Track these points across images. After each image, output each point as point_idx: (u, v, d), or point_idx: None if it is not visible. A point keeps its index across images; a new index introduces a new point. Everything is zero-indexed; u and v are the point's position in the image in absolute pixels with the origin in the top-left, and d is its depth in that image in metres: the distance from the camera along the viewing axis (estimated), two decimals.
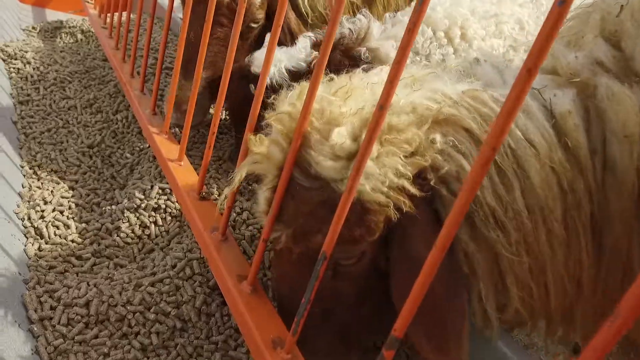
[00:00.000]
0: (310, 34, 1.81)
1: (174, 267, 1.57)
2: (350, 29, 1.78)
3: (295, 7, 2.16)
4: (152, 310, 1.44)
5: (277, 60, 1.74)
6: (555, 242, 1.02)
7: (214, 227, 1.40)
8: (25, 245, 1.66)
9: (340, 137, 0.96)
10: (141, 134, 2.33)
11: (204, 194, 1.52)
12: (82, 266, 1.63)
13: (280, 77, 1.73)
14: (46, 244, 1.69)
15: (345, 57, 1.73)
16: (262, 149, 1.05)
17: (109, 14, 2.95)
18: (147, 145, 2.24)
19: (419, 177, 0.95)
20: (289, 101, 1.06)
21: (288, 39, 1.99)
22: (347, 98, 1.02)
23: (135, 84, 2.22)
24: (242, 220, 1.72)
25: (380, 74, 1.11)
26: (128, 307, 1.44)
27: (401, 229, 1.01)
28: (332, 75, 1.11)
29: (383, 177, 0.92)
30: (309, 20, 2.23)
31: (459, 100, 1.02)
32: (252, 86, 1.74)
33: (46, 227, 1.73)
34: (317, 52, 1.74)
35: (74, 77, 2.77)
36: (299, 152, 1.01)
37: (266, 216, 1.12)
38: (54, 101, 2.54)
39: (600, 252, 1.05)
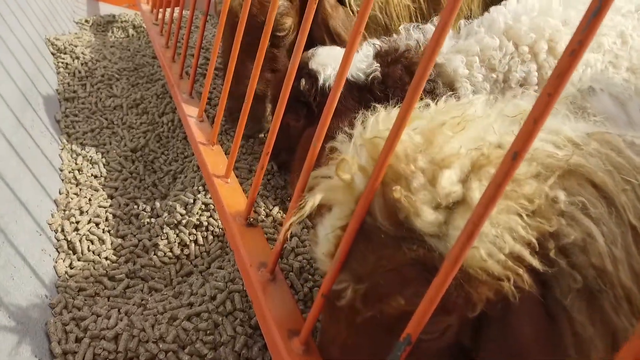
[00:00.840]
0: (375, 41, 1.60)
1: (213, 298, 1.39)
2: (417, 40, 1.54)
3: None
4: (186, 350, 1.26)
5: (336, 64, 1.54)
6: None
7: (261, 263, 1.21)
8: (56, 262, 1.52)
9: (451, 183, 0.74)
10: (187, 140, 2.18)
11: (251, 220, 1.33)
12: (114, 288, 1.48)
13: None
14: (78, 260, 1.55)
15: (407, 74, 1.50)
16: (345, 176, 0.84)
17: (161, 10, 2.83)
18: (192, 152, 2.08)
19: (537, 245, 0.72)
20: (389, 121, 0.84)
21: (331, 43, 1.79)
22: (460, 132, 0.79)
23: (184, 86, 2.07)
24: (291, 249, 1.53)
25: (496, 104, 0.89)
26: (160, 345, 1.26)
27: (501, 303, 0.78)
28: (427, 100, 0.89)
29: (500, 241, 0.69)
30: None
31: (584, 145, 0.79)
32: (302, 81, 1.54)
33: (80, 241, 1.59)
34: (378, 64, 1.51)
35: (122, 74, 2.65)
36: (386, 189, 0.80)
37: (328, 259, 0.92)
38: (100, 99, 2.42)
39: None
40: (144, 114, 2.36)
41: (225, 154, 1.72)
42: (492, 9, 1.64)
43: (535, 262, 0.69)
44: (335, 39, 1.85)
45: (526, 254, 0.69)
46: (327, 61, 1.54)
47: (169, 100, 2.42)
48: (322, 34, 1.80)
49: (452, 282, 0.70)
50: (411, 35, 1.55)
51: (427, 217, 0.73)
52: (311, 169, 1.03)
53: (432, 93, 1.49)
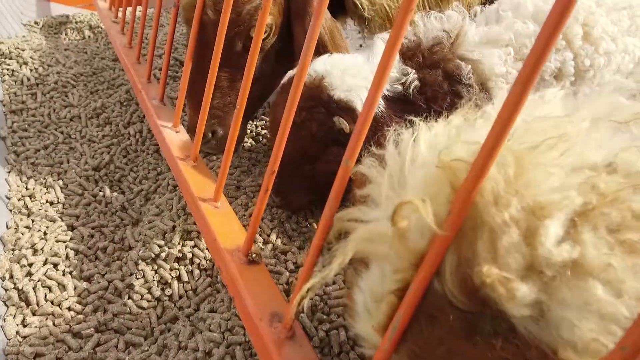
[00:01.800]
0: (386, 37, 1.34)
1: (208, 354, 1.12)
2: (446, 30, 1.30)
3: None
4: None
5: (367, 84, 1.26)
6: None
7: (273, 315, 0.94)
8: (4, 320, 1.20)
9: (556, 241, 0.50)
10: (159, 153, 1.88)
11: (253, 256, 1.06)
12: (80, 349, 1.18)
13: (377, 108, 1.25)
14: (33, 314, 1.24)
15: (445, 79, 1.25)
16: (402, 223, 0.58)
17: (120, 8, 2.50)
18: (167, 167, 1.78)
19: None
20: (467, 140, 0.59)
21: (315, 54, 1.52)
22: (559, 157, 0.55)
23: (153, 91, 1.77)
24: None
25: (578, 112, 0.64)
26: None
27: None
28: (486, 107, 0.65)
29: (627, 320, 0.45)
30: (366, 15, 1.75)
31: None
32: (338, 120, 1.26)
33: (34, 289, 1.28)
34: (412, 70, 1.26)
35: (78, 80, 2.32)
36: (462, 244, 0.55)
37: (377, 334, 0.66)
38: (54, 110, 2.09)
39: None
40: (106, 124, 2.04)
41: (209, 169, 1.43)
42: None
43: None
44: (319, 50, 1.57)
45: None
46: (355, 82, 1.26)
47: (135, 107, 2.11)
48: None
49: None
50: (433, 25, 1.30)
51: (523, 298, 0.49)
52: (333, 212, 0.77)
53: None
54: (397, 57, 1.29)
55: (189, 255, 1.40)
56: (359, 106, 1.24)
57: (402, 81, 1.24)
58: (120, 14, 2.47)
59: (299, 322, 0.94)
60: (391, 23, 1.80)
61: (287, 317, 0.89)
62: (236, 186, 1.62)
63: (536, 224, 0.51)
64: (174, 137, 1.51)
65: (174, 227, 1.46)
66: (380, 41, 1.33)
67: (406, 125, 0.73)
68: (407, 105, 1.26)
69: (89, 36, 3.03)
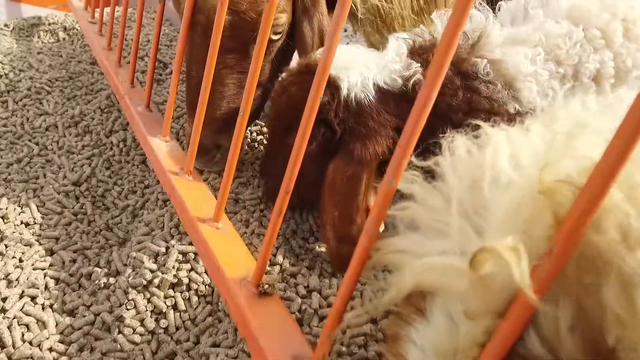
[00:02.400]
0: (404, 35, 1.21)
1: None
2: (465, 32, 1.17)
3: None
4: None
5: (362, 68, 1.14)
6: None
7: (295, 357, 0.80)
8: None
9: None
10: (146, 164, 1.72)
11: (265, 287, 0.91)
12: None
13: (365, 93, 1.13)
14: (9, 359, 1.08)
15: (457, 75, 1.13)
16: (485, 270, 0.44)
17: (98, 8, 2.33)
18: (156, 179, 1.62)
19: None
20: (574, 155, 0.45)
21: (316, 41, 1.40)
22: None
23: (137, 96, 1.61)
24: (313, 311, 1.11)
25: None
26: None
27: None
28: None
29: None
30: (359, 15, 1.63)
31: None
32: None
33: (9, 328, 1.12)
34: (418, 64, 1.13)
35: (53, 86, 2.14)
36: (580, 298, 0.42)
37: None
38: (27, 119, 1.91)
39: None
40: (86, 134, 1.87)
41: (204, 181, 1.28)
42: None
43: None
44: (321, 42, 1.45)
45: None
46: (349, 64, 1.15)
47: (117, 114, 1.94)
48: (315, 41, 1.40)
49: None
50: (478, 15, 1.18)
51: None
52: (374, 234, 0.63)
53: (489, 99, 1.12)
54: (405, 51, 1.17)
55: (185, 281, 1.24)
56: (344, 87, 1.13)
57: (405, 75, 1.11)
58: (97, 14, 2.30)
59: None
60: (382, 21, 1.69)
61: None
62: (234, 199, 1.47)
63: None
64: (163, 147, 1.36)
65: (167, 248, 1.30)
66: (394, 38, 1.20)
67: (464, 130, 0.60)
68: (403, 103, 1.14)
69: (64, 38, 2.84)
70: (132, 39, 2.36)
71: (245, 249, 1.02)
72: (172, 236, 1.34)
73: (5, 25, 3.00)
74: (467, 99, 1.13)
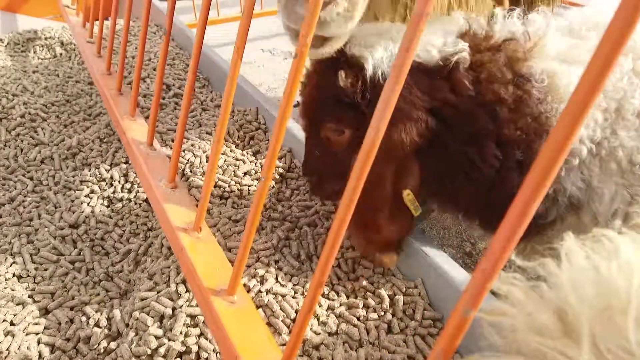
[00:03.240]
0: (460, 15, 1.10)
1: None
2: (527, 31, 1.06)
3: None
4: None
5: (388, 42, 1.05)
6: None
7: None
8: None
9: None
10: (149, 202, 1.59)
11: None
12: None
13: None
14: None
15: (510, 70, 1.02)
16: None
17: (96, 22, 2.19)
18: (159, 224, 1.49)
19: None
20: None
21: None
22: None
23: (139, 132, 1.48)
24: None
25: None
26: None
27: None
28: None
29: None
30: None
31: None
32: (341, 74, 1.05)
33: None
34: (464, 43, 1.02)
35: (49, 111, 2.01)
36: None
37: None
38: (21, 150, 1.79)
39: None
40: (84, 166, 1.75)
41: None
42: (592, 3, 1.17)
43: None
44: None
45: None
46: (373, 40, 1.04)
47: (118, 144, 1.81)
48: None
49: None
50: (513, 23, 1.06)
51: None
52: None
53: (538, 105, 1.01)
54: (454, 29, 1.07)
55: (195, 349, 1.12)
56: (369, 66, 1.03)
57: (445, 52, 1.00)
58: (96, 27, 2.16)
59: None
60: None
61: None
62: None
63: None
64: (170, 196, 1.23)
65: (173, 309, 1.18)
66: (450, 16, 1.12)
67: None
68: (437, 80, 1.03)
69: (61, 54, 2.72)
70: (132, 55, 2.24)
71: (266, 330, 0.90)
72: (179, 295, 1.21)
73: (0, 39, 2.87)
74: (517, 96, 1.02)
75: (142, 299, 1.24)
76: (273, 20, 4.63)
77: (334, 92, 1.07)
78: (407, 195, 1.12)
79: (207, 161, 1.67)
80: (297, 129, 1.74)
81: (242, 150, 1.78)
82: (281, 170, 1.67)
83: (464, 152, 1.06)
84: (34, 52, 2.75)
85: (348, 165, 1.05)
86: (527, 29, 1.06)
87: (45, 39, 2.87)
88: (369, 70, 1.03)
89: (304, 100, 1.20)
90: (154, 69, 2.26)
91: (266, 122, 1.91)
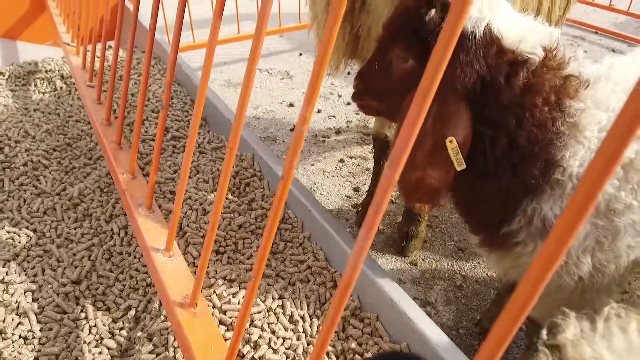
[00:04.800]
0: (558, 32, 1.16)
1: None
2: (589, 77, 1.13)
3: None
4: None
5: (485, 8, 1.09)
6: None
7: None
8: None
9: None
10: None
11: None
12: None
13: (474, 29, 1.08)
14: None
15: (556, 97, 1.09)
16: None
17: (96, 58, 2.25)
18: None
19: None
20: None
21: None
22: None
23: (138, 192, 1.55)
24: None
25: None
26: None
27: None
28: None
29: None
30: None
31: None
32: (432, 11, 1.10)
33: None
34: (542, 53, 1.09)
35: (51, 157, 2.08)
36: None
37: None
38: (24, 201, 1.85)
39: None
40: (85, 218, 1.81)
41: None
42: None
43: None
44: None
45: None
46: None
47: (117, 195, 1.88)
48: None
49: None
50: (584, 65, 1.16)
51: None
52: None
53: (558, 136, 1.08)
54: (540, 40, 1.11)
55: None
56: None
57: (520, 45, 1.07)
58: (98, 65, 2.22)
59: None
60: None
61: None
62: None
63: None
64: (168, 266, 1.30)
65: None
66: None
67: None
68: (498, 57, 1.08)
69: (61, 87, 2.78)
70: (132, 93, 2.30)
71: None
72: (176, 354, 1.28)
73: (1, 73, 2.93)
74: (546, 117, 1.09)
75: None
76: (271, 39, 4.70)
77: (417, 22, 1.11)
78: (450, 142, 1.10)
79: (204, 214, 1.74)
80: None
81: (238, 199, 1.85)
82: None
83: (486, 130, 1.11)
84: (35, 86, 2.81)
85: (397, 92, 1.16)
86: (590, 73, 1.13)
87: (46, 71, 2.93)
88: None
89: (392, 14, 1.23)
90: (152, 111, 2.33)
91: (262, 169, 1.97)
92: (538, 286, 0.39)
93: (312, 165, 2.93)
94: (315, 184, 2.76)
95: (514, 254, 1.25)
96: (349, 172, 2.87)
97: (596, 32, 4.92)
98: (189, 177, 1.93)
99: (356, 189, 2.71)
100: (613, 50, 4.56)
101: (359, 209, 2.47)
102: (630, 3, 4.80)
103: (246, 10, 4.68)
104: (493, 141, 1.10)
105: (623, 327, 0.58)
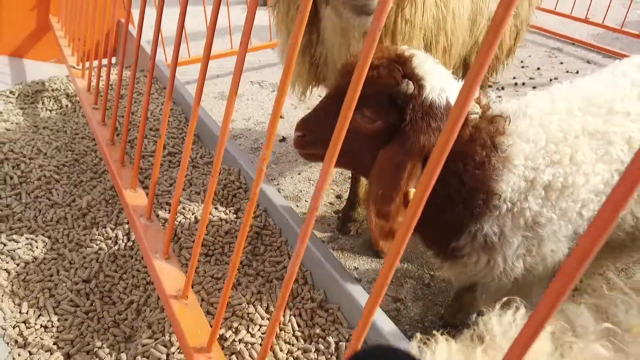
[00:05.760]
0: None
1: None
2: (508, 114, 1.40)
3: None
4: None
5: (444, 79, 1.35)
6: None
7: None
8: None
9: None
10: None
11: None
12: None
13: (439, 100, 1.32)
14: None
15: (490, 139, 1.35)
16: None
17: (101, 79, 2.53)
18: None
19: None
20: None
21: None
22: None
23: (140, 207, 1.83)
24: None
25: None
26: None
27: None
28: None
29: None
30: None
31: None
32: (408, 83, 1.31)
33: None
34: (479, 109, 1.37)
35: (61, 172, 2.36)
36: None
37: None
38: (40, 211, 2.14)
39: None
40: (93, 226, 2.10)
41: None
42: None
43: None
44: None
45: None
46: (435, 72, 1.35)
47: (121, 206, 2.16)
48: None
49: None
50: (501, 104, 1.42)
51: None
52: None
53: (491, 194, 1.34)
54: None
55: None
56: (426, 88, 1.30)
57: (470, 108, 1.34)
58: (101, 83, 2.50)
59: None
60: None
61: None
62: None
63: None
64: (165, 268, 1.58)
65: (167, 355, 1.53)
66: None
67: None
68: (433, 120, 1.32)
69: (67, 105, 3.06)
70: (133, 111, 2.58)
71: None
72: (172, 343, 1.56)
73: (11, 92, 3.21)
74: (484, 158, 1.33)
75: (143, 345, 1.60)
76: (262, 52, 4.98)
77: (391, 89, 1.30)
78: (414, 193, 1.30)
79: (195, 222, 2.02)
80: (271, 193, 2.09)
81: (225, 209, 2.13)
82: (257, 229, 2.02)
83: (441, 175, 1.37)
84: (42, 104, 3.10)
85: (359, 148, 1.34)
86: (508, 111, 1.40)
87: (52, 90, 3.21)
88: (425, 93, 1.30)
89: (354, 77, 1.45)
90: (151, 129, 2.61)
91: (247, 182, 2.26)
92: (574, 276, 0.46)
93: (299, 174, 3.20)
94: (301, 191, 3.03)
95: (462, 264, 1.54)
96: (333, 181, 3.14)
97: (573, 44, 5.16)
98: (183, 190, 2.22)
99: (338, 196, 2.99)
100: (588, 62, 4.82)
101: (340, 214, 2.74)
102: (605, 16, 5.05)
103: (240, 22, 4.97)
104: (446, 183, 1.34)
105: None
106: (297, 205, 2.90)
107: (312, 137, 1.42)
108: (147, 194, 1.87)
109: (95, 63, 2.82)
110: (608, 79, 1.69)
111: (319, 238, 1.91)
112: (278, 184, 3.06)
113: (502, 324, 0.88)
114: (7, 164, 2.33)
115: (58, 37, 3.47)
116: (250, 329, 1.60)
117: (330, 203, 2.94)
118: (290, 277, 0.97)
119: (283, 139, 3.56)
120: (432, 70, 1.35)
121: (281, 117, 3.89)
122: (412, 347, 0.90)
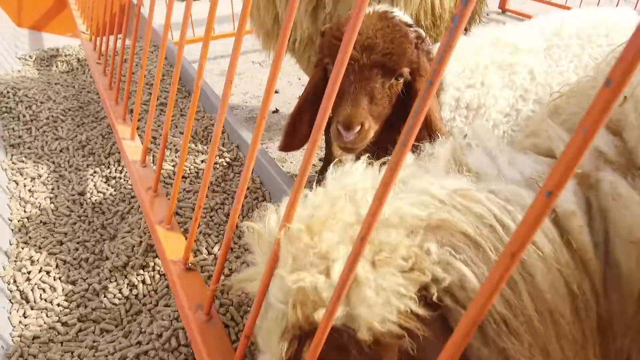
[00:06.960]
0: None
1: (159, 336, 1.53)
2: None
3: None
4: None
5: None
6: (565, 344, 0.97)
7: (198, 305, 1.35)
8: (10, 312, 1.62)
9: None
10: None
11: (190, 265, 1.47)
12: (67, 333, 1.59)
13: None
14: (32, 309, 1.65)
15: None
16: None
17: (103, 42, 2.90)
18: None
19: (421, 294, 0.90)
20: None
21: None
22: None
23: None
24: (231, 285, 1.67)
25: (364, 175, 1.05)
26: None
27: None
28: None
29: (388, 305, 0.86)
30: None
31: (449, 201, 0.97)
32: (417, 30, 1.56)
33: (32, 290, 1.69)
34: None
35: (67, 115, 2.73)
36: None
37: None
38: (46, 143, 2.50)
39: (609, 353, 1.00)
40: (90, 155, 2.46)
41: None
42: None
43: (421, 311, 0.86)
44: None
45: (413, 305, 0.86)
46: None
47: (114, 140, 2.52)
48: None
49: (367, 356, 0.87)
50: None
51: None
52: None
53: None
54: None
55: (152, 264, 1.81)
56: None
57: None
58: (108, 43, 2.87)
59: (215, 310, 1.36)
60: None
61: (206, 305, 1.31)
62: (191, 208, 2.04)
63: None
64: (140, 171, 1.92)
65: (140, 242, 1.87)
66: None
67: None
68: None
69: (77, 68, 3.45)
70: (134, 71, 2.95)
71: (184, 241, 1.58)
72: (145, 233, 1.91)
73: (30, 56, 3.61)
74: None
75: (122, 237, 1.94)
76: None
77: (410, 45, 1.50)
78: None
79: (176, 152, 2.37)
80: (247, 135, 2.41)
81: (205, 146, 2.47)
82: (228, 160, 2.36)
83: None
84: (56, 67, 3.49)
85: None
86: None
87: (65, 55, 3.60)
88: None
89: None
90: (149, 84, 2.97)
91: (226, 130, 2.59)
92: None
93: None
94: (287, 154, 3.36)
95: None
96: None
97: None
98: (170, 129, 2.56)
99: (321, 159, 3.30)
100: None
101: (319, 175, 3.05)
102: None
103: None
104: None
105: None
106: (282, 166, 3.22)
107: (369, 123, 1.47)
108: (142, 143, 2.21)
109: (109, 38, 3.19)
110: (523, 26, 2.00)
111: (272, 158, 2.24)
112: (267, 148, 3.38)
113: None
114: (21, 105, 2.71)
115: (72, 9, 3.86)
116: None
117: (313, 164, 3.26)
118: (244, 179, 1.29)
119: (276, 111, 3.89)
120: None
121: (276, 92, 4.23)
122: None
